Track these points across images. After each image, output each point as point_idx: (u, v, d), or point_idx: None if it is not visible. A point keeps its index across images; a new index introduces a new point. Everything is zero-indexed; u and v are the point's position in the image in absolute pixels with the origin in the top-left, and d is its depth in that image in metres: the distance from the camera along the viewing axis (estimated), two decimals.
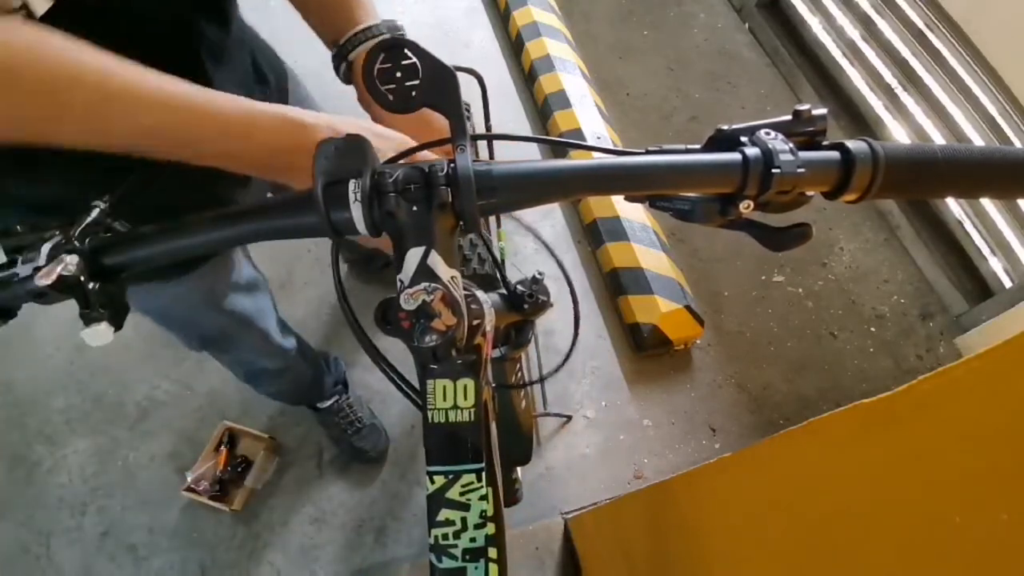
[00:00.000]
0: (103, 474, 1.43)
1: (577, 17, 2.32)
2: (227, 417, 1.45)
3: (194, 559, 1.33)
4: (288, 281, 1.69)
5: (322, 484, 1.42)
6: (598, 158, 0.36)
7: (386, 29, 0.54)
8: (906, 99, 1.81)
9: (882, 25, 1.86)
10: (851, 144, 0.34)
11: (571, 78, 1.98)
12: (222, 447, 1.39)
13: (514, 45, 2.21)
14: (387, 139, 0.46)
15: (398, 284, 0.33)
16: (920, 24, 1.72)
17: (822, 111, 0.35)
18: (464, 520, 0.34)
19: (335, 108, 0.55)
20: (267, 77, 0.70)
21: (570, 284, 0.44)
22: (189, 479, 1.35)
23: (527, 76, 2.11)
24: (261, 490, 1.40)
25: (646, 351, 1.57)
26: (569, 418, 1.50)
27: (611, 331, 1.63)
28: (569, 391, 1.54)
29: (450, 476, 0.35)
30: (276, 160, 0.43)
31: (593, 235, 1.74)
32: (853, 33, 1.97)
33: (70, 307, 0.35)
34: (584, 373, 1.57)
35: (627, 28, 2.31)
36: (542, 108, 2.00)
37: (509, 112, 2.06)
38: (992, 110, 1.56)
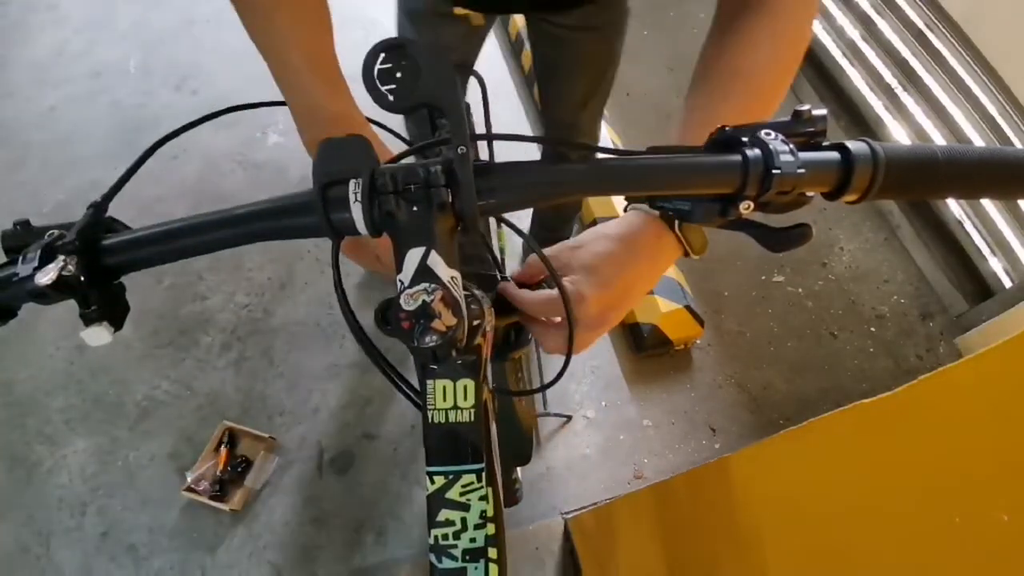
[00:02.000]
0: (103, 474, 1.43)
1: None
2: (227, 417, 1.45)
3: (194, 559, 1.33)
4: (288, 281, 1.69)
5: (322, 484, 1.42)
6: (599, 158, 0.36)
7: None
8: (906, 99, 1.81)
9: (882, 25, 1.85)
10: (851, 145, 0.34)
11: None
12: (222, 447, 1.39)
13: (514, 45, 2.20)
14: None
15: (398, 285, 0.33)
16: (920, 24, 1.72)
17: (822, 112, 0.34)
18: (464, 520, 0.34)
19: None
20: None
21: (561, 287, 0.44)
22: (189, 479, 1.35)
23: (527, 76, 2.11)
24: (261, 490, 1.40)
25: (646, 351, 1.57)
26: (569, 418, 1.50)
27: (611, 331, 1.63)
28: (569, 391, 1.54)
29: (450, 476, 0.35)
30: None
31: None
32: (853, 33, 1.97)
33: (70, 307, 0.35)
34: (584, 373, 1.57)
35: (627, 28, 2.31)
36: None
37: (509, 112, 2.06)
38: (992, 110, 1.56)
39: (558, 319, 0.46)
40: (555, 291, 0.45)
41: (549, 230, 1.54)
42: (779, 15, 0.48)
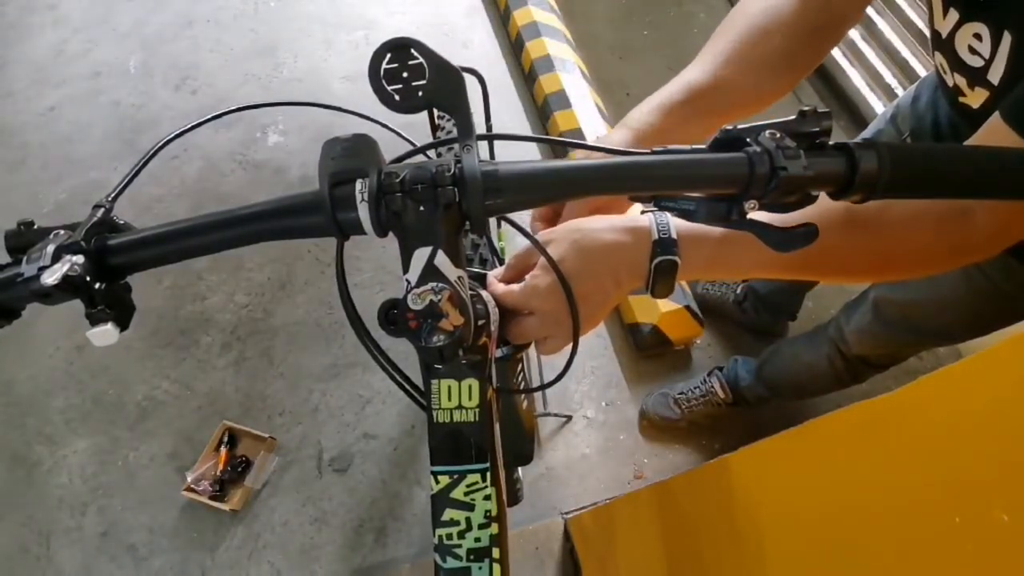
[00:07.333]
0: (103, 474, 1.43)
1: (577, 17, 2.31)
2: (227, 417, 1.45)
3: (194, 559, 1.33)
4: (288, 281, 1.69)
5: (322, 484, 1.42)
6: (604, 158, 0.36)
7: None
8: None
9: (882, 25, 1.86)
10: (856, 144, 0.34)
11: (571, 78, 1.98)
12: (222, 447, 1.39)
13: (514, 45, 2.21)
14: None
15: (405, 284, 0.33)
16: (920, 24, 1.72)
17: (827, 111, 0.34)
18: (469, 520, 0.35)
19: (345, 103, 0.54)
20: None
21: (567, 288, 0.44)
22: (189, 479, 1.35)
23: (527, 76, 2.11)
24: (261, 490, 1.40)
25: (646, 351, 1.57)
26: (569, 418, 1.50)
27: (611, 331, 1.63)
28: (569, 391, 1.54)
29: (455, 476, 0.35)
30: None
31: None
32: (853, 33, 1.97)
33: (69, 307, 0.35)
34: (584, 373, 1.57)
35: (627, 28, 2.31)
36: (542, 108, 2.00)
37: (509, 112, 2.06)
38: None
39: (526, 312, 0.49)
40: (518, 285, 0.49)
41: None
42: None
